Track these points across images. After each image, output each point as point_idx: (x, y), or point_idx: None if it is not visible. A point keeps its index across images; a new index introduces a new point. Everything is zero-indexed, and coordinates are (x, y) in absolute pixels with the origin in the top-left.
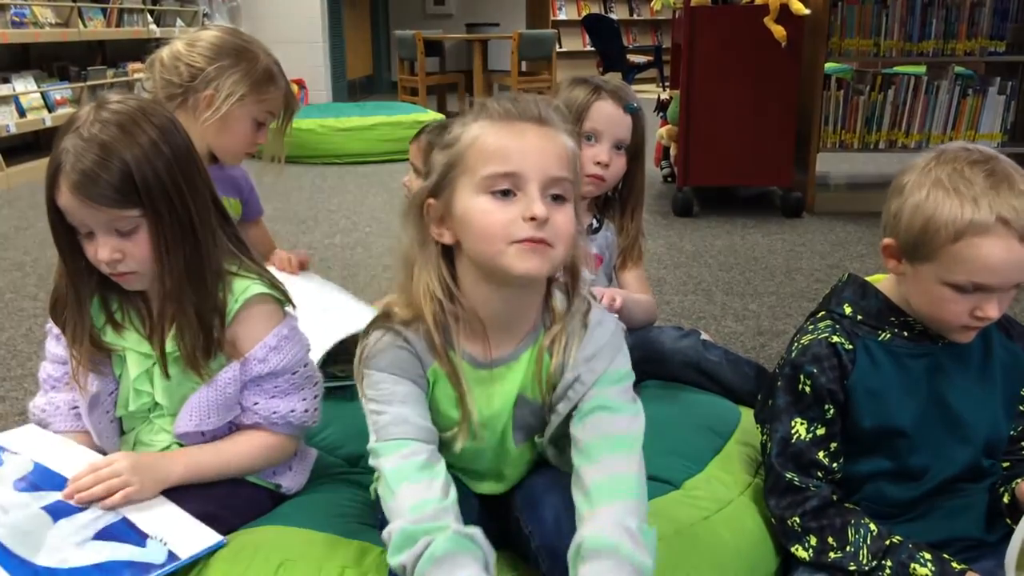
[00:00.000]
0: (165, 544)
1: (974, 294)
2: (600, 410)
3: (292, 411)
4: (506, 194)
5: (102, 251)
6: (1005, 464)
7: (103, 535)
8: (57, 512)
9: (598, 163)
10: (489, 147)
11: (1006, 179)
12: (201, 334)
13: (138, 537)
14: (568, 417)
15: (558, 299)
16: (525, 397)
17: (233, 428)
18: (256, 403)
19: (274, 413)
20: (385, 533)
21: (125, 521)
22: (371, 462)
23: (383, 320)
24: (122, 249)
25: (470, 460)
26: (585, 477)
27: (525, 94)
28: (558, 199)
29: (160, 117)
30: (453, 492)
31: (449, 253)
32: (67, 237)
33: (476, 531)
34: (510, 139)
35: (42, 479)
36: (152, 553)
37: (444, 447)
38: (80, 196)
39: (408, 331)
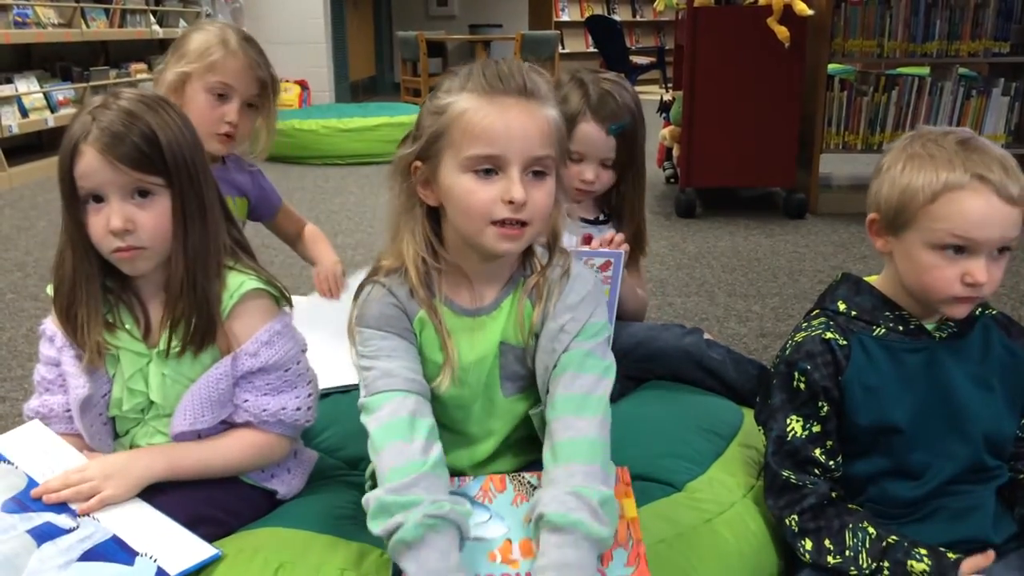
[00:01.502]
0: (155, 561)
1: (960, 258)
2: (572, 365)
3: (283, 409)
4: (488, 172)
5: (115, 219)
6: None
7: (90, 556)
8: (42, 535)
9: (583, 180)
10: (474, 126)
11: (979, 148)
12: (204, 318)
13: (127, 556)
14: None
15: (539, 252)
16: (508, 343)
17: (229, 428)
18: (246, 400)
19: (264, 411)
20: (364, 499)
21: (115, 539)
22: (361, 419)
23: (372, 274)
24: (134, 219)
25: (462, 417)
26: (552, 433)
27: (513, 61)
28: (539, 174)
29: (177, 108)
30: (435, 449)
31: (434, 212)
32: (80, 218)
33: (449, 506)
34: (495, 119)
35: (32, 499)
36: (140, 571)
37: (436, 402)
38: (107, 155)
39: (394, 283)
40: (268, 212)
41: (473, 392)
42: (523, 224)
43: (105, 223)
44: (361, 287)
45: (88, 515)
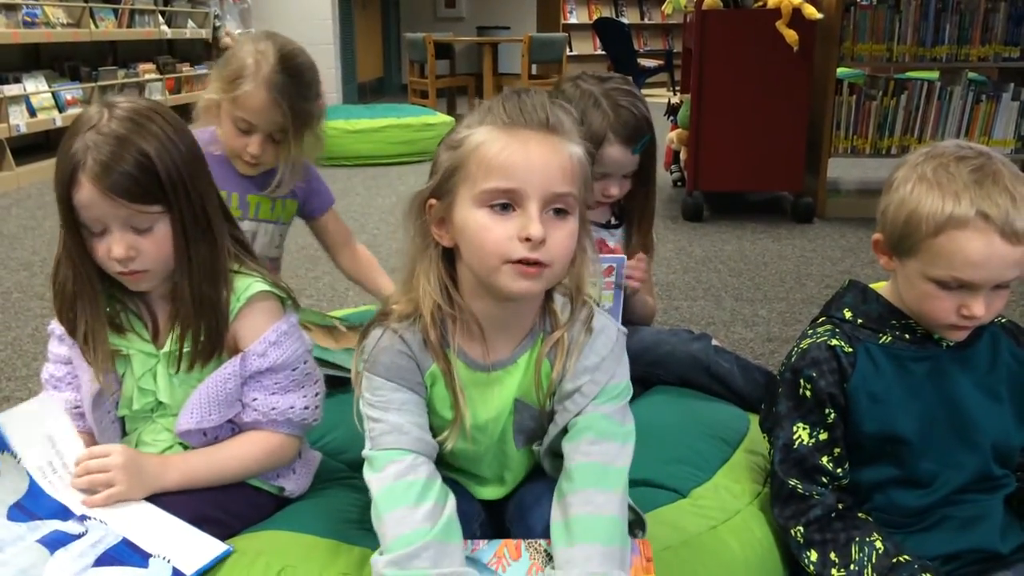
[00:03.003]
0: (169, 562)
1: (958, 291)
2: (591, 431)
3: (292, 408)
4: (505, 207)
5: (116, 248)
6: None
7: (104, 561)
8: (53, 543)
9: (607, 195)
10: (491, 159)
11: (992, 175)
12: (212, 332)
13: (140, 558)
14: (564, 429)
15: (559, 303)
16: (524, 402)
17: (235, 428)
18: (255, 399)
19: (273, 409)
20: (372, 560)
21: (125, 542)
22: (364, 473)
23: (382, 318)
24: (136, 246)
25: (472, 464)
26: (568, 505)
27: (535, 94)
28: (560, 212)
29: (170, 115)
30: (445, 513)
31: (449, 254)
32: (80, 238)
33: (457, 549)
34: (513, 152)
35: (36, 504)
36: (156, 573)
37: (442, 450)
38: (102, 189)
39: (406, 330)
40: (318, 209)
41: (485, 447)
42: (541, 264)
43: (108, 249)
44: (368, 329)
45: (92, 518)
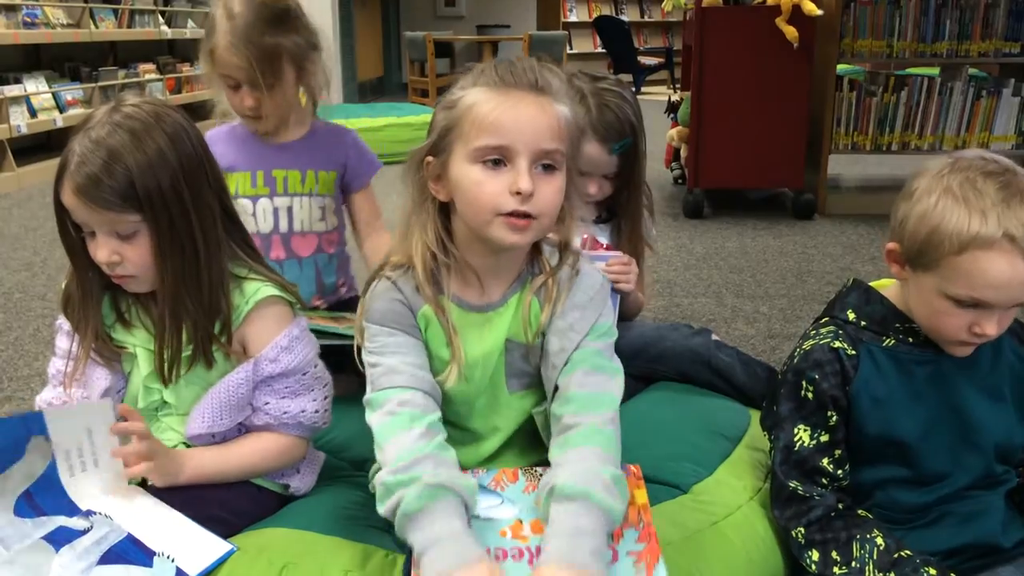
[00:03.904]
0: (173, 561)
1: (973, 310)
2: (586, 363)
3: (303, 411)
4: (497, 163)
5: (100, 252)
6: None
7: (109, 558)
8: (58, 540)
9: (585, 194)
10: (483, 117)
11: (1020, 193)
12: (194, 342)
13: (144, 556)
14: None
15: (547, 252)
16: (514, 340)
17: (243, 428)
18: (267, 403)
19: (285, 413)
20: (371, 484)
21: (130, 539)
22: (366, 416)
23: (380, 268)
24: (120, 252)
25: (466, 413)
26: (564, 426)
27: (525, 59)
28: (548, 168)
29: (172, 124)
30: (439, 436)
31: (445, 207)
32: (73, 235)
33: (449, 476)
34: (504, 110)
35: (45, 496)
36: (160, 572)
37: (442, 390)
38: (82, 197)
39: (399, 277)
40: (352, 185)
41: (478, 387)
42: (530, 217)
43: (95, 253)
44: (369, 282)
45: (98, 513)
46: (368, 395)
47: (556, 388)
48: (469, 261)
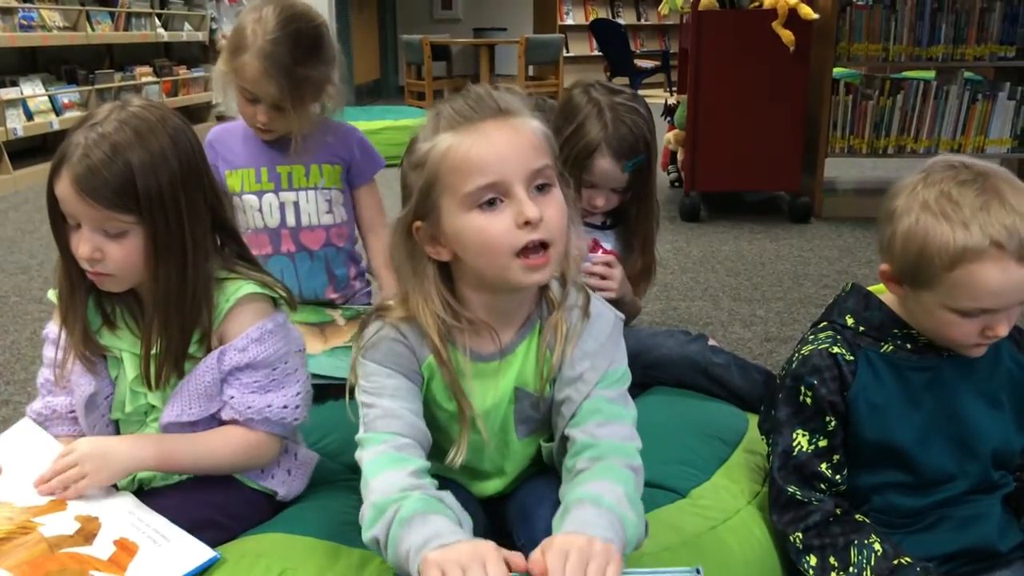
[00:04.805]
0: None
1: (980, 316)
2: (599, 414)
3: (269, 407)
4: (492, 203)
5: (83, 247)
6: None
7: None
8: None
9: (593, 205)
10: (464, 160)
11: (996, 196)
12: (176, 345)
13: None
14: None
15: (554, 288)
16: (524, 390)
17: (220, 425)
18: (232, 397)
19: (248, 408)
20: (359, 514)
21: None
22: (356, 454)
23: (381, 312)
24: (103, 249)
25: (474, 457)
26: (576, 471)
27: (476, 86)
28: (543, 188)
29: (176, 128)
30: (427, 481)
31: (445, 266)
32: (64, 227)
33: (447, 494)
34: (481, 145)
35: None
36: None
37: (443, 456)
38: (78, 189)
39: (404, 325)
40: (355, 180)
41: (488, 436)
42: (546, 246)
43: (76, 247)
44: (367, 322)
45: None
46: (361, 434)
47: (566, 438)
48: (478, 313)
